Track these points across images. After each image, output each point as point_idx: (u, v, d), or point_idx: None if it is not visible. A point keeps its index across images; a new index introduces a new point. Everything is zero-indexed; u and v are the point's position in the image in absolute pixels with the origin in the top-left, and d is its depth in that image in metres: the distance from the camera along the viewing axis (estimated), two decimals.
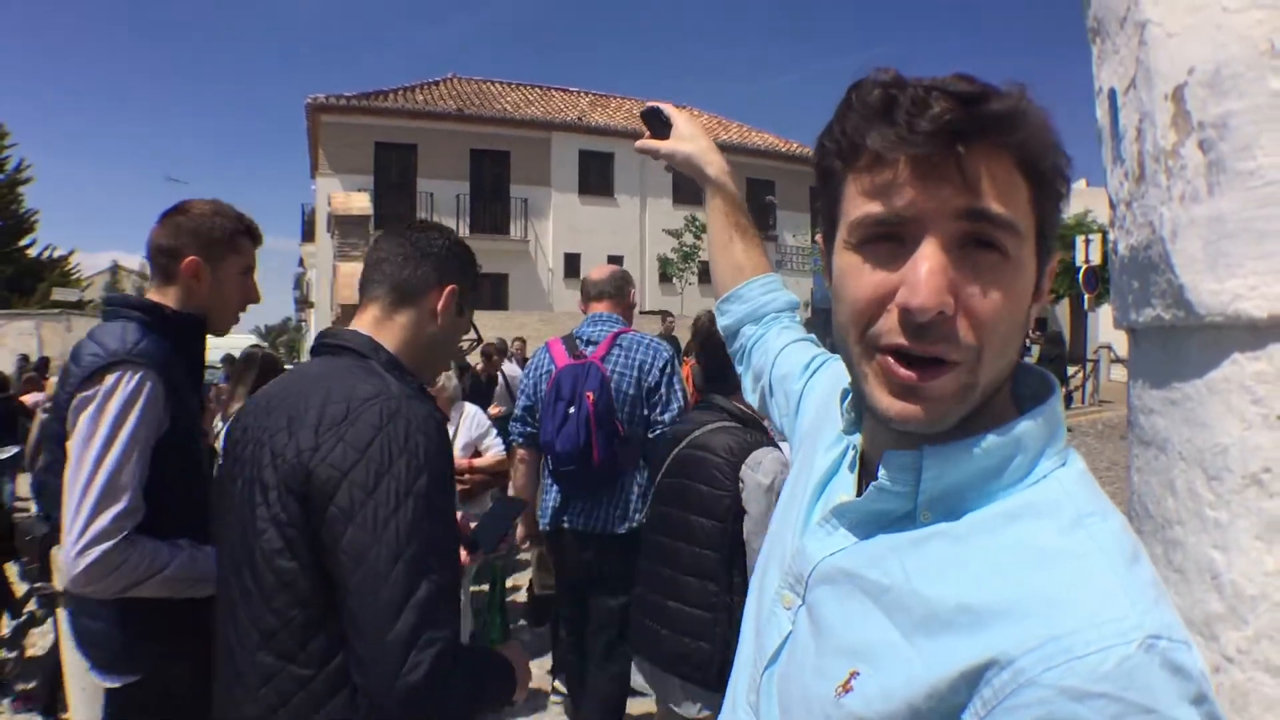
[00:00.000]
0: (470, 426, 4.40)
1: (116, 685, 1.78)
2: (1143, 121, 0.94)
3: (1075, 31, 1.16)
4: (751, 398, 1.24)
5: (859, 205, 0.65)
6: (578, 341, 3.23)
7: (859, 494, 0.76)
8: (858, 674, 0.63)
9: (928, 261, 0.61)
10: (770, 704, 0.75)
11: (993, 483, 0.65)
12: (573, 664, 3.41)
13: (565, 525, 3.17)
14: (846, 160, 0.67)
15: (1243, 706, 0.83)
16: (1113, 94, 1.02)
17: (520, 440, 3.39)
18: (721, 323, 1.32)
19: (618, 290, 3.35)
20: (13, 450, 9.86)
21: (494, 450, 4.43)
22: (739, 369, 1.28)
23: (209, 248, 1.92)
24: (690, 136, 1.35)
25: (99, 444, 1.64)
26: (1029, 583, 0.58)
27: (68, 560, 1.61)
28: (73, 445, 1.68)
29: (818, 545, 0.74)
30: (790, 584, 0.76)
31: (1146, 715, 0.51)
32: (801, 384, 1.10)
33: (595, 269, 3.55)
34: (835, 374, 0.99)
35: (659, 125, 1.31)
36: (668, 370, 3.12)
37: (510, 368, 8.76)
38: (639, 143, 1.37)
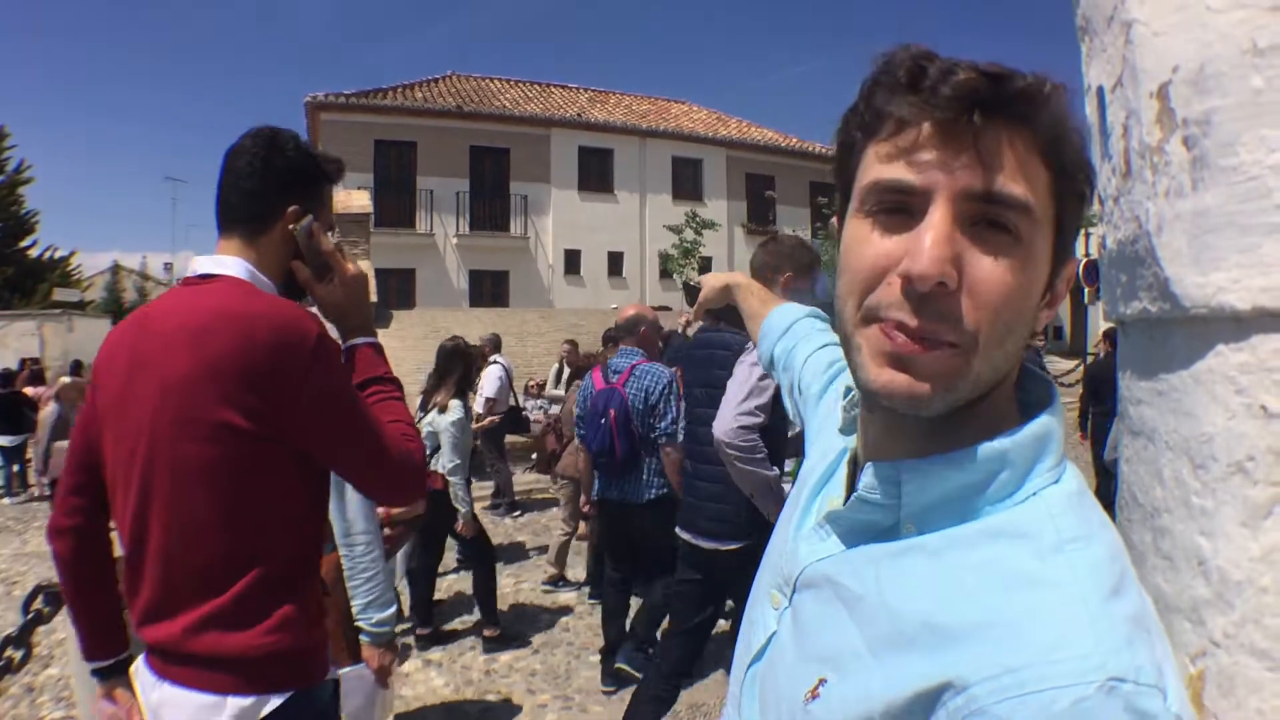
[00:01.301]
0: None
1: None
2: (1129, 118, 0.95)
3: (1068, 30, 1.18)
4: (791, 412, 1.24)
5: (875, 169, 0.64)
6: (610, 371, 4.56)
7: (847, 499, 0.75)
8: (825, 681, 0.63)
9: (933, 230, 0.60)
10: (751, 701, 0.76)
11: (976, 499, 0.63)
12: (611, 591, 4.80)
13: (605, 497, 4.61)
14: (868, 130, 0.66)
15: (1229, 690, 0.85)
16: (1101, 91, 1.04)
17: (580, 441, 4.74)
18: (762, 362, 1.39)
19: (631, 330, 4.66)
20: (20, 439, 10.70)
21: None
22: (783, 393, 1.29)
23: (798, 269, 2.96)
24: (706, 280, 1.65)
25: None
26: (996, 606, 0.56)
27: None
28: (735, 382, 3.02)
29: (808, 549, 0.73)
30: (779, 584, 0.76)
31: None
32: (821, 384, 1.09)
33: (619, 314, 4.90)
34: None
35: (693, 292, 1.66)
36: (666, 392, 4.32)
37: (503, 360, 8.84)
38: (689, 315, 1.71)
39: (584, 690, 4.53)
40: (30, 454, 10.84)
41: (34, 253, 29.41)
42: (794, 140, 27.71)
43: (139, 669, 1.60)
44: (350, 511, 2.32)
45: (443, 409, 4.95)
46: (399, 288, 20.76)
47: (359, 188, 17.83)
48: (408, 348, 13.09)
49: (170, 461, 1.44)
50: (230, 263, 1.56)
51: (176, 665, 1.47)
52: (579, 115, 24.77)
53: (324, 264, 1.67)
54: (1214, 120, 0.84)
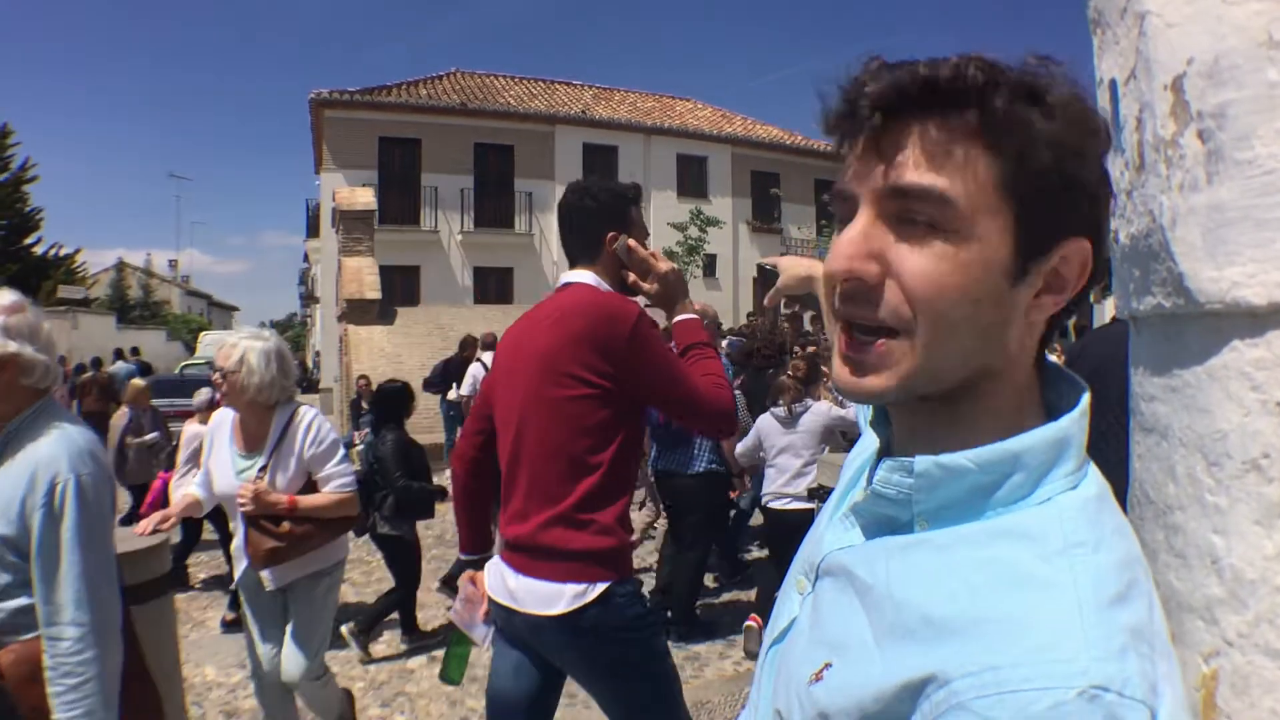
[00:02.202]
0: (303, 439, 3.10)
1: None
2: (1142, 111, 0.94)
3: (1079, 22, 1.17)
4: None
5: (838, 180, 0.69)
6: None
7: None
8: (830, 666, 0.64)
9: (848, 230, 0.64)
10: (769, 681, 0.78)
11: (988, 499, 0.63)
12: (669, 555, 5.36)
13: (657, 468, 5.21)
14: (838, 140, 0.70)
15: (1243, 690, 0.84)
16: (1113, 84, 1.03)
17: None
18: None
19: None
20: None
21: (333, 485, 3.15)
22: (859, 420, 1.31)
23: None
24: (785, 267, 1.64)
25: None
26: (991, 604, 0.56)
27: None
28: None
29: (833, 537, 0.74)
30: (806, 571, 0.78)
31: None
32: None
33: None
34: None
35: (769, 277, 1.65)
36: None
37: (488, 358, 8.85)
38: (767, 297, 1.74)
39: None
40: None
41: (38, 250, 29.54)
42: (799, 137, 27.64)
43: (491, 568, 2.20)
44: (61, 594, 1.77)
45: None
46: (403, 285, 20.75)
47: (363, 185, 17.85)
48: (412, 344, 13.10)
49: (538, 404, 2.07)
50: (581, 275, 2.22)
51: (528, 559, 2.05)
52: (583, 112, 24.74)
53: (644, 267, 2.24)
54: (1229, 113, 0.83)
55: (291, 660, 3.21)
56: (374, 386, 10.95)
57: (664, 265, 2.24)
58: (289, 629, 3.23)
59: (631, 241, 2.22)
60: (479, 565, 2.37)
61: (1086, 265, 0.65)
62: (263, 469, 3.08)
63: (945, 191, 0.60)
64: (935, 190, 0.60)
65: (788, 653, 0.75)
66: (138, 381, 8.15)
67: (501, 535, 2.18)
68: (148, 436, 7.36)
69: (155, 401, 11.36)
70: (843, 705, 0.61)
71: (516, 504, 2.12)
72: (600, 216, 2.24)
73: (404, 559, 5.18)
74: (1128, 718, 0.49)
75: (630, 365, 2.04)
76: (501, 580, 2.12)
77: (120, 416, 7.58)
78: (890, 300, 0.62)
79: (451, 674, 2.72)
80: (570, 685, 4.52)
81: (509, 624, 2.15)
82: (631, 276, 2.26)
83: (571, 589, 1.98)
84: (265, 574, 3.13)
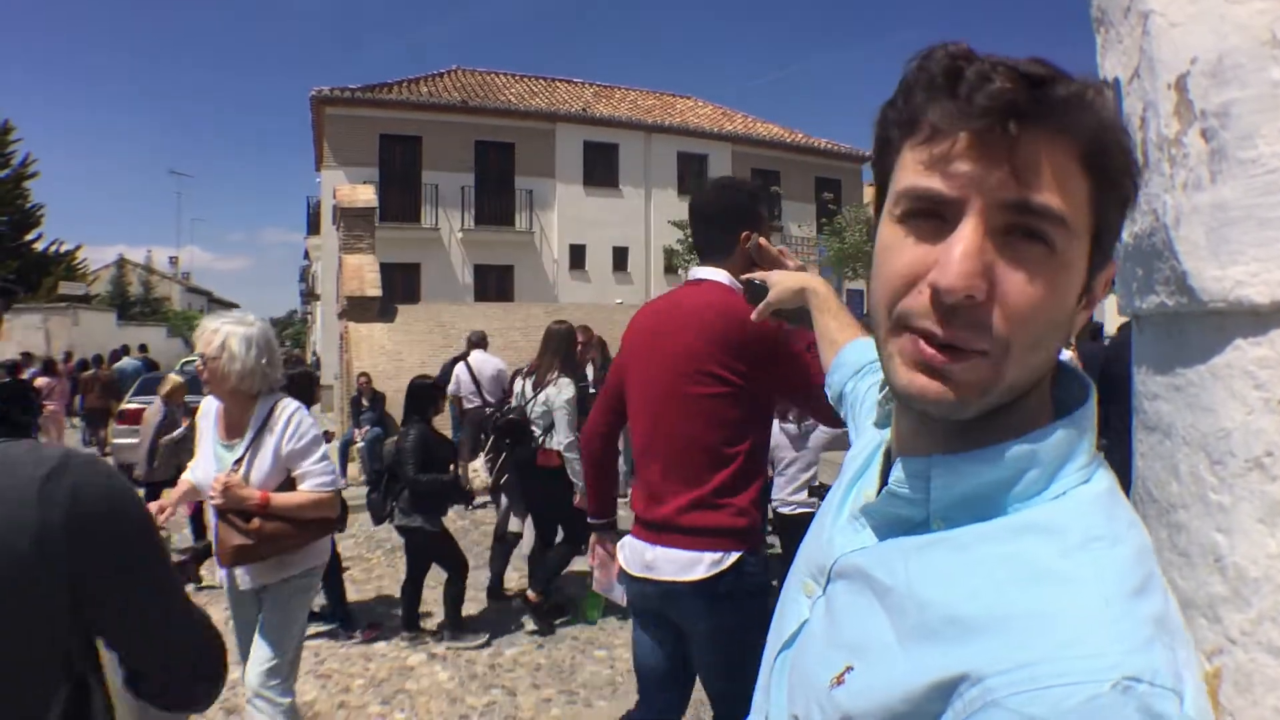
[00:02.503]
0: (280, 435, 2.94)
1: None
2: (1146, 110, 0.95)
3: (1082, 20, 1.17)
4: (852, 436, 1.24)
5: (909, 176, 0.64)
6: None
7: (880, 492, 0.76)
8: (851, 669, 0.64)
9: (963, 243, 0.59)
10: (780, 686, 0.77)
11: (1005, 496, 0.63)
12: None
13: None
14: (905, 130, 0.65)
15: (1246, 687, 0.84)
16: (1117, 83, 1.03)
17: None
18: (830, 395, 1.34)
19: None
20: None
21: (311, 483, 2.97)
22: (848, 427, 1.26)
23: None
24: (775, 281, 1.61)
25: None
26: (1016, 601, 0.57)
27: None
28: None
29: (844, 540, 0.74)
30: (814, 574, 0.77)
31: None
32: (868, 384, 1.12)
33: None
34: None
35: (756, 291, 1.62)
36: None
37: (477, 356, 8.68)
38: (755, 312, 1.64)
39: (588, 685, 4.54)
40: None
41: (39, 246, 29.54)
42: (799, 135, 27.62)
43: (625, 545, 2.36)
44: None
45: (540, 386, 5.24)
46: (404, 282, 20.72)
47: (364, 182, 17.84)
48: (413, 342, 13.10)
49: (677, 399, 2.23)
50: (714, 273, 2.33)
51: (667, 534, 2.21)
52: (584, 110, 24.72)
53: (776, 264, 2.24)
54: (1233, 112, 0.83)
55: (252, 665, 2.97)
56: (374, 384, 10.99)
57: (793, 263, 2.29)
58: (255, 631, 3.01)
59: (763, 240, 2.30)
60: (605, 529, 2.76)
61: (1112, 277, 0.68)
62: (238, 461, 2.90)
63: (1067, 215, 0.60)
64: (1062, 213, 0.60)
65: (800, 657, 0.74)
66: (175, 377, 7.79)
67: (638, 515, 2.35)
68: (176, 432, 7.24)
69: (151, 397, 11.37)
70: (868, 708, 0.60)
71: (654, 487, 2.30)
72: (739, 215, 2.35)
73: (429, 550, 5.23)
74: (1160, 706, 0.50)
75: (765, 366, 2.19)
76: (638, 555, 2.28)
77: (155, 413, 7.40)
78: (994, 324, 0.60)
79: (590, 614, 3.76)
80: (571, 684, 4.55)
81: (644, 598, 2.32)
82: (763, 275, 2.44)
83: (709, 556, 2.15)
84: (239, 572, 2.94)
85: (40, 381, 12.38)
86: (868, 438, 0.88)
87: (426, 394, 5.49)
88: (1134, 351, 1.07)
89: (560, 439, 5.10)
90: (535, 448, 5.22)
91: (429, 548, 5.19)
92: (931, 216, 0.62)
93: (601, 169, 24.57)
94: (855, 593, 0.69)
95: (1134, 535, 0.61)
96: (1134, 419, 1.07)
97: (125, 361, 18.68)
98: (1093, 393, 0.68)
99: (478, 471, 5.87)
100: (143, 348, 22.60)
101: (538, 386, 5.32)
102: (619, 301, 19.28)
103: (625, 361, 2.53)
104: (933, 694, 0.56)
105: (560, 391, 5.14)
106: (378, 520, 5.26)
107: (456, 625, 5.16)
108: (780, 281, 1.60)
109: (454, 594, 5.19)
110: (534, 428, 5.25)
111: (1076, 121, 0.59)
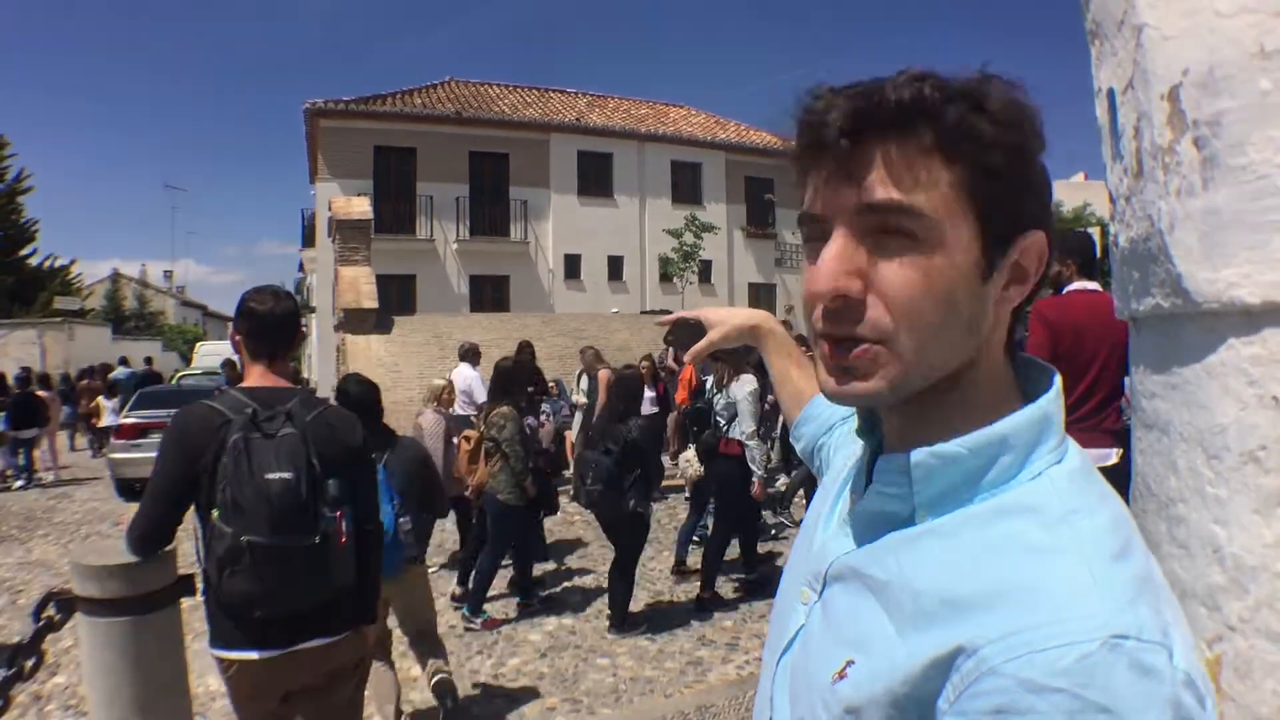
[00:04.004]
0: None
1: None
2: (1140, 120, 0.98)
3: (1076, 33, 1.20)
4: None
5: (804, 205, 0.71)
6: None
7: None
8: (852, 663, 0.66)
9: (826, 250, 0.66)
10: (782, 692, 0.79)
11: (981, 481, 0.67)
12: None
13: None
14: (796, 167, 0.72)
15: (1246, 673, 0.87)
16: (1111, 94, 1.07)
17: None
18: (800, 447, 1.32)
19: None
20: (34, 432, 12.69)
21: None
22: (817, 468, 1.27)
23: None
24: (720, 319, 1.43)
25: None
26: (1005, 576, 0.60)
27: None
28: None
29: (836, 545, 0.77)
30: (809, 581, 0.79)
31: (1103, 715, 0.51)
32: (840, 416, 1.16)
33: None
34: None
35: (690, 331, 1.40)
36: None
37: (463, 371, 9.00)
38: (691, 352, 1.41)
39: (592, 693, 4.55)
40: (39, 446, 13.02)
41: (34, 261, 29.46)
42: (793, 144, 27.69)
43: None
44: None
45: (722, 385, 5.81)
46: (400, 293, 20.73)
47: (359, 194, 17.85)
48: (409, 353, 13.10)
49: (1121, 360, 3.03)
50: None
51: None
52: (578, 120, 24.79)
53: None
54: (1224, 121, 0.87)
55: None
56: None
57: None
58: None
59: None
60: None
61: (1043, 255, 0.70)
62: None
63: (915, 205, 0.65)
64: (906, 204, 0.64)
65: (801, 661, 0.76)
66: (440, 381, 7.24)
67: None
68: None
69: (150, 412, 11.38)
70: (870, 695, 0.63)
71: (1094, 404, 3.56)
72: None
73: (640, 534, 5.59)
74: (1148, 659, 0.53)
75: None
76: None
77: (435, 422, 6.69)
78: (872, 315, 0.65)
79: None
80: (575, 692, 4.55)
81: None
82: None
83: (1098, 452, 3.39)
84: None
85: (42, 394, 13.43)
86: (849, 451, 0.93)
87: (519, 375, 5.96)
88: (1131, 352, 1.11)
89: (742, 428, 5.64)
90: (719, 436, 5.85)
91: (642, 532, 5.57)
92: (819, 239, 0.69)
93: (596, 178, 24.62)
94: (852, 592, 0.72)
95: (1109, 505, 0.65)
96: (1132, 417, 1.10)
97: (120, 370, 18.94)
98: (1057, 378, 0.73)
99: (690, 461, 6.50)
100: (148, 360, 22.64)
101: (721, 386, 5.93)
102: (615, 311, 19.31)
103: (1079, 323, 3.57)
104: (931, 671, 0.59)
105: (743, 385, 5.67)
106: (610, 511, 5.44)
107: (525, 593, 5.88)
108: (726, 320, 1.43)
109: (520, 570, 5.83)
110: (719, 419, 5.87)
111: (912, 120, 0.64)
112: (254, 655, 2.35)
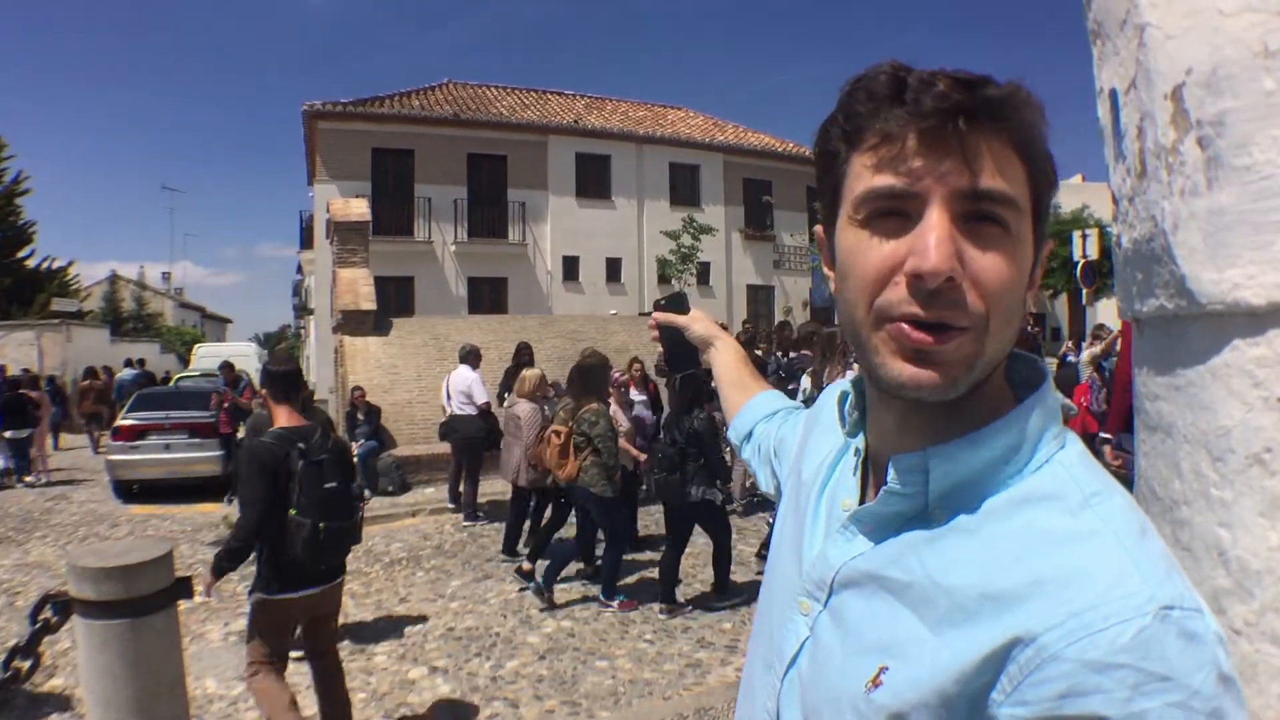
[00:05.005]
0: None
1: None
2: (1143, 120, 0.98)
3: (1077, 32, 1.20)
4: (766, 486, 1.25)
5: (866, 180, 0.68)
6: None
7: (863, 497, 0.79)
8: (886, 669, 0.65)
9: (935, 230, 0.64)
10: (791, 708, 0.77)
11: (998, 473, 0.67)
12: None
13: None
14: (852, 141, 0.69)
15: (1251, 677, 0.87)
16: (1114, 94, 1.06)
17: None
18: (737, 434, 1.37)
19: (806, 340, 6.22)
20: (28, 432, 12.89)
21: None
22: (754, 468, 1.30)
23: None
24: (699, 318, 1.53)
25: None
26: (1045, 565, 0.60)
27: None
28: None
29: (838, 551, 0.75)
30: (809, 591, 0.78)
31: (1163, 683, 0.54)
32: (790, 424, 1.17)
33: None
34: (818, 403, 1.03)
35: (681, 304, 1.56)
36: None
37: (462, 372, 9.14)
38: (658, 316, 1.52)
39: (590, 696, 4.54)
40: (35, 446, 13.12)
41: (32, 263, 29.41)
42: (790, 145, 27.71)
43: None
44: None
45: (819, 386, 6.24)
46: (398, 295, 20.71)
47: (357, 196, 17.82)
48: (408, 355, 13.08)
49: None
50: None
51: None
52: (576, 122, 24.78)
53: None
54: (1227, 121, 0.86)
55: None
56: (368, 398, 10.97)
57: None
58: None
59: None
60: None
61: (1047, 254, 0.74)
62: None
63: (1015, 196, 0.66)
64: (1011, 195, 0.66)
65: (815, 674, 0.74)
66: (534, 372, 7.27)
67: None
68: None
69: (149, 414, 11.39)
70: (916, 700, 0.62)
71: None
72: None
73: (720, 520, 5.99)
74: (1192, 625, 0.56)
75: None
76: None
77: (531, 412, 6.87)
78: (970, 300, 0.65)
79: None
80: (574, 694, 4.55)
81: None
82: None
83: None
84: None
85: (33, 394, 13.48)
86: (816, 455, 0.92)
87: (601, 373, 6.13)
88: (1135, 353, 1.10)
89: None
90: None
91: (717, 517, 5.91)
92: (893, 215, 0.67)
93: (594, 180, 24.61)
94: (869, 596, 0.71)
95: (1117, 485, 0.67)
96: (1136, 420, 1.10)
97: (125, 372, 19.20)
98: (1048, 369, 0.74)
99: None
100: (140, 361, 22.61)
101: (818, 386, 6.20)
102: (613, 312, 19.28)
103: None
104: (983, 666, 0.60)
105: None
106: (676, 500, 5.80)
107: (725, 587, 6.13)
108: (698, 321, 1.50)
109: (610, 561, 6.01)
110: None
111: (1010, 116, 0.65)
112: (314, 590, 3.60)
